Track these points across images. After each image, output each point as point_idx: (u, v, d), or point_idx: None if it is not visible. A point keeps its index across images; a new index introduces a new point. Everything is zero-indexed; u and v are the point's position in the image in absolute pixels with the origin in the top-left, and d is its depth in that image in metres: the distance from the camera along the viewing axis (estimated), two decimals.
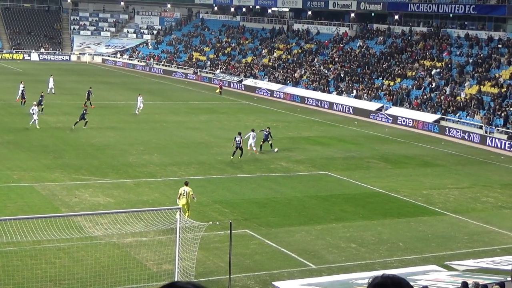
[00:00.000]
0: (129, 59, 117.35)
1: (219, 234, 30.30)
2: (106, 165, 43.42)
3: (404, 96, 73.07)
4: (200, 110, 69.64)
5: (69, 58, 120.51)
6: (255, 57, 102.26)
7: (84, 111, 54.42)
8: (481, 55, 75.39)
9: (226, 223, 28.89)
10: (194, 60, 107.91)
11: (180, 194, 31.69)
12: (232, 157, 46.83)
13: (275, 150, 50.71)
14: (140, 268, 26.22)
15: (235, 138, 46.96)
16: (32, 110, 53.71)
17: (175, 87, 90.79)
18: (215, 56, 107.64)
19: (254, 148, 49.41)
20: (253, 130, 50.19)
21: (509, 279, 20.43)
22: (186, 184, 32.13)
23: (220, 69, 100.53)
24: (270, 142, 50.40)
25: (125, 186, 38.56)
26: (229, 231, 24.93)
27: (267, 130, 50.38)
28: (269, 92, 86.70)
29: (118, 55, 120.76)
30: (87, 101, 64.25)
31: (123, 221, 27.55)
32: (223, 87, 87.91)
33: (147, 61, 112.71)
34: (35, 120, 53.52)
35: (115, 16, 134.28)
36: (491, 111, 63.69)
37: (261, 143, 49.88)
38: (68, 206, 33.74)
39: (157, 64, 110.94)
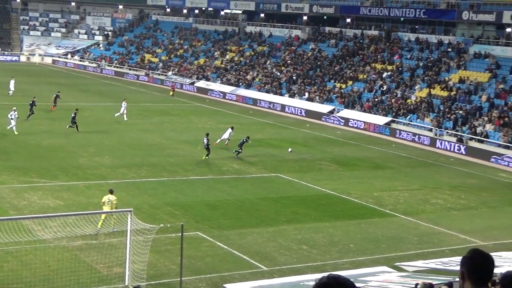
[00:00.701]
0: (80, 60, 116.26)
1: (170, 236, 30.15)
2: (56, 167, 42.92)
3: (356, 99, 73.60)
4: (152, 112, 69.28)
5: (19, 58, 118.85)
6: (207, 59, 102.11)
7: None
8: (431, 58, 76.30)
9: (177, 225, 28.74)
10: (146, 61, 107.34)
11: (104, 202, 30.29)
12: (204, 157, 47.83)
13: (289, 150, 53.33)
14: (90, 271, 25.95)
15: (203, 140, 47.75)
16: (11, 115, 52.47)
17: (127, 88, 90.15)
18: (167, 58, 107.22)
19: (227, 142, 52.39)
20: (232, 128, 53.71)
21: (457, 279, 20.69)
22: (111, 192, 30.79)
23: (173, 71, 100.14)
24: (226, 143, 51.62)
25: (75, 189, 38.16)
26: (180, 234, 24.81)
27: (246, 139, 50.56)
28: (222, 94, 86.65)
29: (69, 56, 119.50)
30: (54, 105, 64.77)
31: (72, 224, 27.23)
32: (175, 89, 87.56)
33: (99, 63, 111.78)
34: (13, 126, 52.18)
35: (66, 17, 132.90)
36: (441, 114, 64.48)
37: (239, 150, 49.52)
38: (17, 209, 33.26)
39: (108, 65, 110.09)
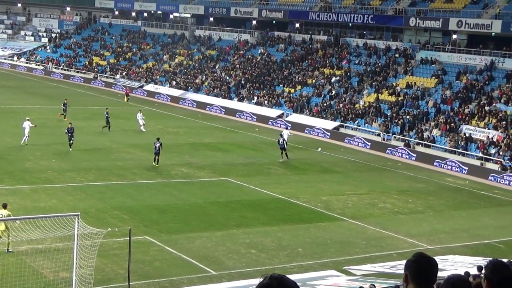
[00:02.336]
0: (27, 63, 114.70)
1: (118, 241, 29.92)
2: (2, 171, 42.28)
3: (305, 103, 73.97)
4: (100, 115, 68.56)
5: None
6: (156, 63, 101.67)
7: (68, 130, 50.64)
8: (379, 64, 77.09)
9: (125, 229, 28.56)
10: (94, 64, 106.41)
11: None
12: (154, 163, 47.03)
13: (319, 150, 56.94)
14: (36, 276, 25.60)
15: (154, 144, 47.16)
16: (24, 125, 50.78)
17: (75, 91, 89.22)
18: (115, 61, 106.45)
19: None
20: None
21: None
22: (5, 207, 28.69)
23: (121, 74, 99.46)
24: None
25: (21, 193, 37.64)
26: (128, 238, 24.63)
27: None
28: (170, 98, 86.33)
29: (15, 58, 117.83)
30: (64, 113, 63.51)
31: (18, 229, 26.84)
32: (129, 94, 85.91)
33: (46, 65, 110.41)
34: (26, 137, 50.43)
35: (12, 18, 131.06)
36: (389, 118, 65.14)
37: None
38: None
39: (56, 68, 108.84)
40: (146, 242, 30.81)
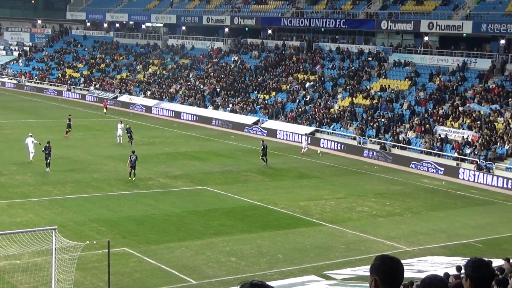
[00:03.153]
0: None
1: (97, 253, 29.74)
2: None
3: (280, 109, 74.05)
4: (74, 127, 68.26)
5: None
6: (129, 73, 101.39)
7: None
8: (353, 68, 77.38)
9: (103, 241, 28.40)
10: (67, 77, 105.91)
11: None
12: (129, 178, 45.91)
13: (318, 152, 58.93)
14: None
15: (130, 157, 46.14)
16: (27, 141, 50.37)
17: (48, 104, 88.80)
18: (89, 72, 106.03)
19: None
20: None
21: None
22: None
23: (95, 86, 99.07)
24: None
25: None
26: (107, 250, 24.49)
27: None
28: (145, 108, 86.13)
29: None
30: (68, 130, 63.06)
31: None
32: (107, 106, 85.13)
33: (18, 79, 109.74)
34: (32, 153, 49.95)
35: None
36: (364, 122, 65.37)
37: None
38: None
39: (28, 81, 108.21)
40: (125, 253, 30.65)
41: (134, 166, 45.87)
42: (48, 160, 47.46)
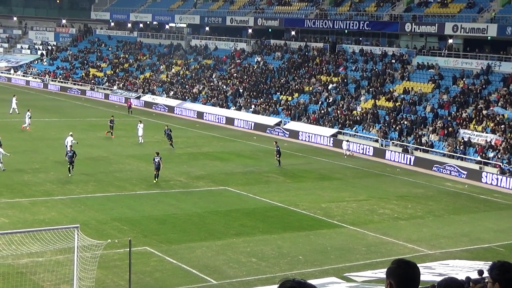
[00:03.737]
0: (24, 76, 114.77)
1: (119, 252, 29.89)
2: (0, 184, 42.25)
3: (302, 111, 74.01)
4: (97, 126, 68.70)
5: None
6: (153, 73, 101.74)
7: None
8: (376, 70, 77.16)
9: (125, 240, 28.54)
10: (91, 76, 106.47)
11: None
12: (154, 181, 45.62)
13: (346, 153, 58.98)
14: None
15: (154, 159, 46.04)
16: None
17: (72, 103, 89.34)
18: (112, 72, 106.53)
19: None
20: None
21: None
22: None
23: (118, 86, 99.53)
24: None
25: (20, 206, 37.61)
26: (128, 249, 24.62)
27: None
28: (168, 108, 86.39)
29: (12, 71, 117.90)
30: (111, 131, 63.29)
31: (18, 242, 26.81)
32: (132, 106, 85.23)
33: (43, 78, 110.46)
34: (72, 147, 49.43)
35: (8, 32, 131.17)
36: (386, 124, 65.18)
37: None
38: None
39: (52, 80, 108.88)
40: (146, 252, 30.78)
41: (158, 168, 45.62)
42: (72, 165, 45.83)
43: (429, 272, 24.92)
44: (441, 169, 55.31)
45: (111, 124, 63.41)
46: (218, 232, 34.82)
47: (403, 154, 59.22)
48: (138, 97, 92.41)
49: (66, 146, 49.82)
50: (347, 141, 62.22)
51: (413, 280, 5.87)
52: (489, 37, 69.62)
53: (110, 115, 66.26)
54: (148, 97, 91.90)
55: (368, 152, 61.80)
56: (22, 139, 59.08)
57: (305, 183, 48.60)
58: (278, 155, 53.68)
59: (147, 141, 60.87)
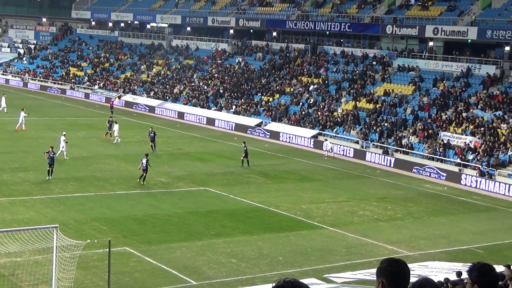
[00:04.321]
0: (3, 74, 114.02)
1: (98, 252, 29.79)
2: None
3: (283, 112, 74.03)
4: (77, 126, 68.44)
5: None
6: (133, 73, 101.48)
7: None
8: (357, 71, 77.36)
9: (104, 241, 28.44)
10: (71, 75, 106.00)
11: None
12: (139, 180, 45.17)
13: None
14: None
15: (141, 160, 45.50)
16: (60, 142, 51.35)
17: (52, 102, 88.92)
18: (93, 71, 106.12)
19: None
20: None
21: None
22: None
23: (98, 85, 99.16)
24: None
25: None
26: (108, 249, 24.54)
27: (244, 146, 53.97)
28: (148, 108, 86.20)
29: None
30: (109, 131, 62.31)
31: None
32: (114, 106, 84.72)
33: (22, 76, 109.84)
34: (63, 151, 51.28)
35: None
36: (367, 126, 65.35)
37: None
38: None
39: (32, 79, 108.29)
40: (125, 253, 30.69)
41: (146, 170, 44.96)
42: (51, 168, 44.53)
43: None
44: (421, 171, 55.56)
45: (109, 125, 62.67)
46: (198, 233, 34.80)
47: (383, 156, 59.46)
48: (119, 97, 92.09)
49: (59, 145, 50.19)
50: (326, 140, 62.46)
51: (403, 277, 5.91)
52: (469, 40, 69.99)
53: (92, 115, 65.97)
54: (128, 97, 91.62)
55: (349, 153, 61.94)
56: (1, 138, 58.70)
57: (286, 184, 48.65)
58: (244, 156, 53.56)
59: (128, 141, 60.73)
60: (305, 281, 24.26)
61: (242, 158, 53.62)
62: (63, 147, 51.39)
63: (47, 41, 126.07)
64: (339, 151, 62.65)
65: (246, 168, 52.67)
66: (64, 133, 52.96)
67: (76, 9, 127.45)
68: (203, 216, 38.23)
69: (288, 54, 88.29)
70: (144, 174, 45.06)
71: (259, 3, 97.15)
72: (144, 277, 28.04)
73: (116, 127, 60.87)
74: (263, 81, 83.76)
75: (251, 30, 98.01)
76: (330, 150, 61.09)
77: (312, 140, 65.98)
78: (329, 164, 57.52)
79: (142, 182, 45.15)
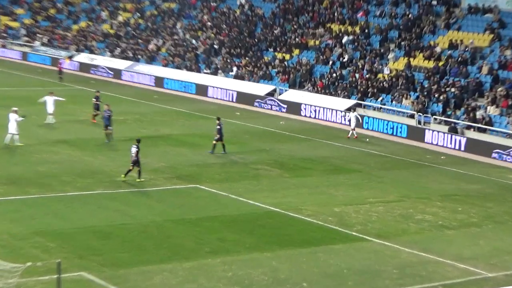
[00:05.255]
0: None
1: (42, 280, 29.61)
2: None
3: (306, 75, 73.86)
4: (10, 99, 68.29)
5: None
6: (91, 23, 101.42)
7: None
8: (410, 16, 77.02)
9: (51, 263, 28.29)
10: (2, 27, 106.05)
11: None
12: (123, 176, 45.47)
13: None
14: None
15: (131, 149, 45.62)
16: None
17: None
18: (33, 21, 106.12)
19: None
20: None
21: None
22: None
23: (41, 41, 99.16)
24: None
25: None
26: (57, 275, 24.38)
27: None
28: (113, 72, 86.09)
29: None
30: (96, 113, 62.30)
31: None
32: (62, 69, 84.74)
33: None
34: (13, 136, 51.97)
35: None
36: (426, 93, 65.09)
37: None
38: None
39: None
40: (82, 280, 30.54)
41: (138, 162, 45.15)
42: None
43: None
44: (505, 156, 55.33)
45: (97, 103, 61.93)
46: (186, 250, 34.64)
47: (449, 135, 59.25)
48: (71, 57, 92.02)
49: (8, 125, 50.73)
50: (354, 114, 61.80)
51: None
52: None
53: (32, 83, 65.80)
54: (84, 57, 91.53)
55: (400, 132, 61.77)
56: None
57: (311, 177, 48.50)
58: (218, 138, 53.03)
59: (83, 119, 60.51)
60: None
61: (214, 141, 53.04)
62: (14, 129, 51.26)
63: None
64: (387, 129, 62.46)
65: (234, 156, 52.37)
66: (15, 108, 52.66)
67: None
68: (193, 225, 38.09)
69: None
70: (132, 168, 45.12)
71: None
72: None
73: (50, 100, 60.30)
74: (276, 31, 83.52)
75: None
76: (355, 127, 60.95)
77: (348, 114, 65.80)
78: (372, 148, 57.28)
79: (138, 179, 45.25)
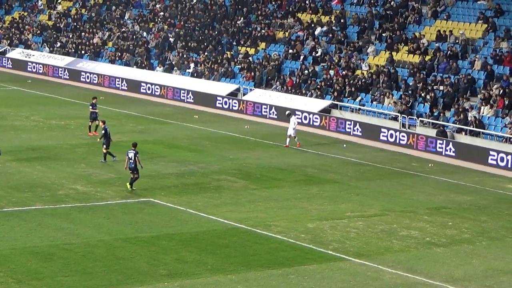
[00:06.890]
0: None
1: None
2: None
3: (273, 72, 74.03)
4: None
5: None
6: (25, 13, 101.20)
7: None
8: (392, 3, 77.32)
9: None
10: None
11: None
12: (131, 188, 46.39)
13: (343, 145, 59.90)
14: None
15: (127, 154, 46.28)
16: None
17: None
18: None
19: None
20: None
21: None
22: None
23: None
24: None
25: None
26: None
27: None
28: (52, 70, 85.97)
29: None
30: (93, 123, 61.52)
31: None
32: None
33: None
34: None
35: None
36: (410, 92, 65.39)
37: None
38: None
39: None
40: None
41: (135, 169, 45.86)
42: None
43: None
44: (501, 163, 55.69)
45: (95, 111, 61.21)
46: (139, 273, 34.77)
47: (438, 140, 59.54)
48: (3, 53, 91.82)
49: None
50: (290, 115, 61.70)
51: None
52: None
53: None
54: (18, 53, 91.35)
55: (382, 136, 62.00)
56: None
57: (280, 189, 48.67)
58: (104, 144, 52.98)
59: (19, 124, 60.41)
60: None
61: (104, 150, 53.06)
62: None
63: None
64: (365, 133, 62.73)
65: (192, 165, 52.66)
66: None
67: None
68: (147, 245, 38.20)
69: None
70: (135, 176, 46.09)
71: None
72: None
73: None
74: (238, 22, 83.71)
75: None
76: (294, 129, 60.11)
77: (322, 116, 66.04)
78: (350, 155, 57.57)
79: (131, 187, 46.27)
